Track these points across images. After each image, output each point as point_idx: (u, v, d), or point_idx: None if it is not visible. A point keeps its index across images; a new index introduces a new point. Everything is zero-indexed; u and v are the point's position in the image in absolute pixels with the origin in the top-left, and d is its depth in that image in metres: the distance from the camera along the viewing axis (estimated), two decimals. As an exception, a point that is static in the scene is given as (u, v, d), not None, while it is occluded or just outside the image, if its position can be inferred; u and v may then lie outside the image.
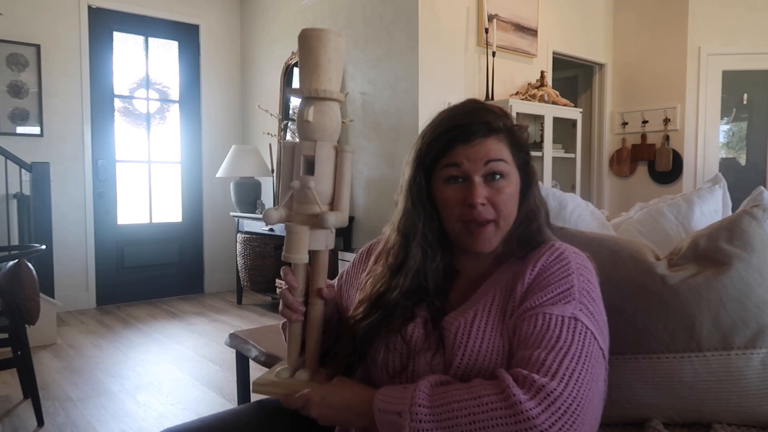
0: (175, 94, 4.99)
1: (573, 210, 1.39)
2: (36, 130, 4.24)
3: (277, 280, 4.37)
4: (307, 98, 0.82)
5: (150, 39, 4.82)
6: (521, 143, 0.90)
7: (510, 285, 0.85)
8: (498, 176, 0.85)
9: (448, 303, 0.89)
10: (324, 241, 0.84)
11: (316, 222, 0.81)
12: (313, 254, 0.85)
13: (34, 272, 2.45)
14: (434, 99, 3.53)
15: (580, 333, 0.74)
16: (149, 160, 4.87)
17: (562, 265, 0.83)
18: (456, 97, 3.23)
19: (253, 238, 4.41)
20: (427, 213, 0.88)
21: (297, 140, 0.85)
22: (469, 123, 0.86)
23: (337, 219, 0.81)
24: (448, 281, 0.91)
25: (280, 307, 0.87)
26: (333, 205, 0.83)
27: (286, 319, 0.91)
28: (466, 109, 0.89)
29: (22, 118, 4.18)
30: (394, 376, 0.84)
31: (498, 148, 0.86)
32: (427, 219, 0.88)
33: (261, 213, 4.40)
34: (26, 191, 3.92)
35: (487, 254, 0.90)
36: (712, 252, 1.00)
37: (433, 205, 0.89)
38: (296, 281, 0.84)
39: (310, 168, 0.82)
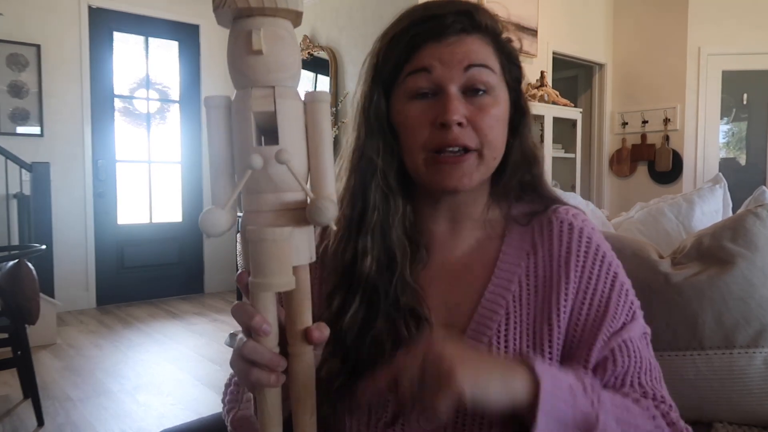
0: (175, 94, 4.99)
1: (574, 209, 1.39)
2: (36, 130, 4.24)
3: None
4: (247, 15, 0.47)
5: (150, 39, 4.82)
6: (511, 53, 0.68)
7: (531, 292, 0.66)
8: (482, 91, 0.63)
9: (426, 306, 0.65)
10: (307, 249, 0.51)
11: (298, 218, 0.49)
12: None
13: (34, 272, 2.45)
14: (434, 99, 3.53)
15: (649, 341, 0.69)
16: (149, 160, 4.87)
17: (600, 261, 0.67)
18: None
19: (253, 238, 4.41)
20: (387, 143, 0.65)
21: (229, 94, 0.51)
22: (443, 14, 0.63)
23: (334, 208, 0.48)
24: (414, 253, 0.67)
25: (237, 367, 0.51)
26: (311, 188, 0.51)
27: (248, 393, 0.62)
28: (439, 1, 0.67)
29: (22, 118, 4.17)
30: (378, 428, 0.64)
31: (483, 51, 0.64)
32: (386, 152, 0.65)
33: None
34: (26, 191, 3.91)
35: (465, 218, 0.70)
36: (715, 251, 1.00)
37: (394, 134, 0.66)
38: (268, 323, 0.48)
39: (268, 134, 0.49)
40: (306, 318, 0.51)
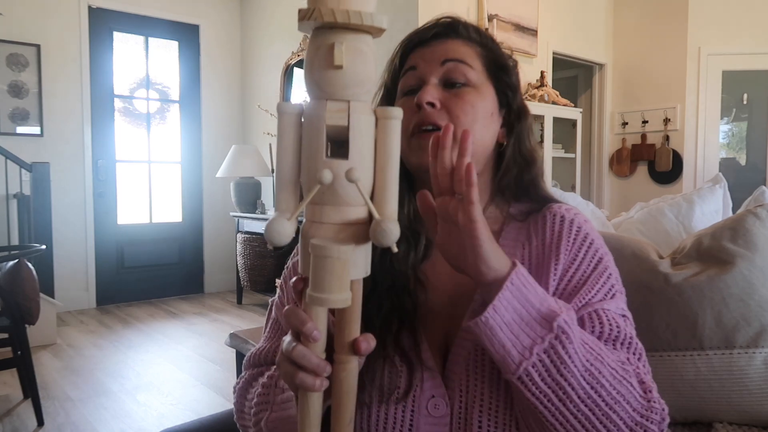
0: (175, 94, 4.99)
1: (574, 209, 1.39)
2: (36, 130, 4.24)
3: (277, 280, 4.36)
4: (329, 28, 0.48)
5: (150, 39, 4.82)
6: (501, 62, 0.76)
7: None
8: (460, 84, 0.71)
9: (424, 291, 0.70)
10: (363, 264, 0.52)
11: (358, 234, 0.50)
12: None
13: (34, 272, 2.45)
14: (434, 99, 3.53)
15: (633, 326, 0.70)
16: (149, 160, 4.87)
17: (587, 246, 0.71)
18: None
19: (253, 238, 4.41)
20: None
21: (301, 102, 0.52)
22: (428, 25, 0.76)
23: (398, 229, 0.49)
24: (415, 242, 0.72)
25: (284, 369, 0.53)
26: (374, 205, 0.51)
27: (284, 395, 0.65)
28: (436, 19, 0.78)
29: (22, 118, 4.18)
30: (388, 405, 0.67)
31: (461, 50, 0.73)
32: None
33: (261, 212, 4.40)
34: (26, 191, 3.91)
35: None
36: (715, 251, 1.00)
37: None
38: (318, 330, 0.50)
39: (336, 143, 0.50)
40: (355, 329, 0.52)
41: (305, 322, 0.50)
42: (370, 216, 0.49)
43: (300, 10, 0.47)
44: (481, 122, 0.71)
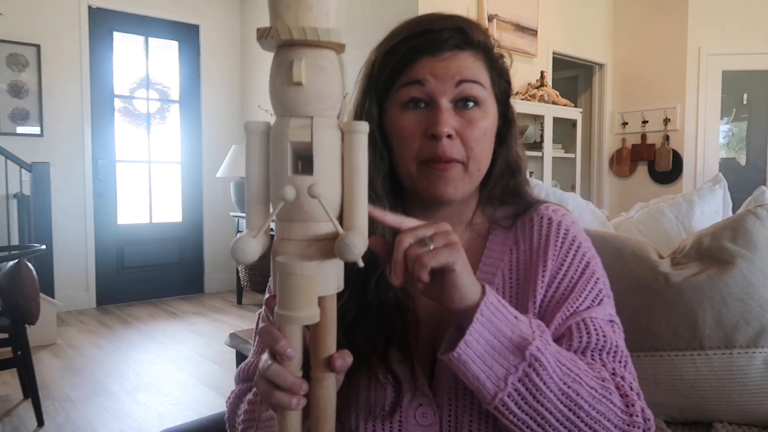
0: (175, 94, 4.99)
1: (573, 210, 1.39)
2: (36, 130, 4.24)
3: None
4: (290, 45, 0.48)
5: (150, 39, 4.82)
6: (502, 68, 0.72)
7: (514, 283, 0.70)
8: (472, 103, 0.67)
9: (411, 301, 0.69)
10: (335, 279, 0.51)
11: (325, 250, 0.49)
12: (319, 302, 0.50)
13: (34, 272, 2.45)
14: (434, 99, 3.53)
15: (617, 331, 0.69)
16: (149, 160, 4.87)
17: (575, 250, 0.70)
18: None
19: (253, 238, 4.41)
20: (377, 151, 0.67)
21: (271, 120, 0.52)
22: (438, 29, 0.67)
23: (364, 243, 0.48)
24: None
25: (260, 387, 0.52)
26: (343, 219, 0.51)
27: (268, 412, 0.63)
28: (435, 15, 0.70)
29: (22, 118, 4.18)
30: (376, 419, 0.66)
31: (474, 67, 0.67)
32: (375, 159, 0.67)
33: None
34: (26, 191, 3.91)
35: (456, 223, 0.71)
36: (715, 251, 1.00)
37: (386, 143, 0.69)
38: (293, 348, 0.50)
39: (306, 159, 0.50)
40: (330, 345, 0.52)
41: (278, 341, 0.49)
42: None
43: (258, 29, 0.47)
44: (488, 144, 0.70)
